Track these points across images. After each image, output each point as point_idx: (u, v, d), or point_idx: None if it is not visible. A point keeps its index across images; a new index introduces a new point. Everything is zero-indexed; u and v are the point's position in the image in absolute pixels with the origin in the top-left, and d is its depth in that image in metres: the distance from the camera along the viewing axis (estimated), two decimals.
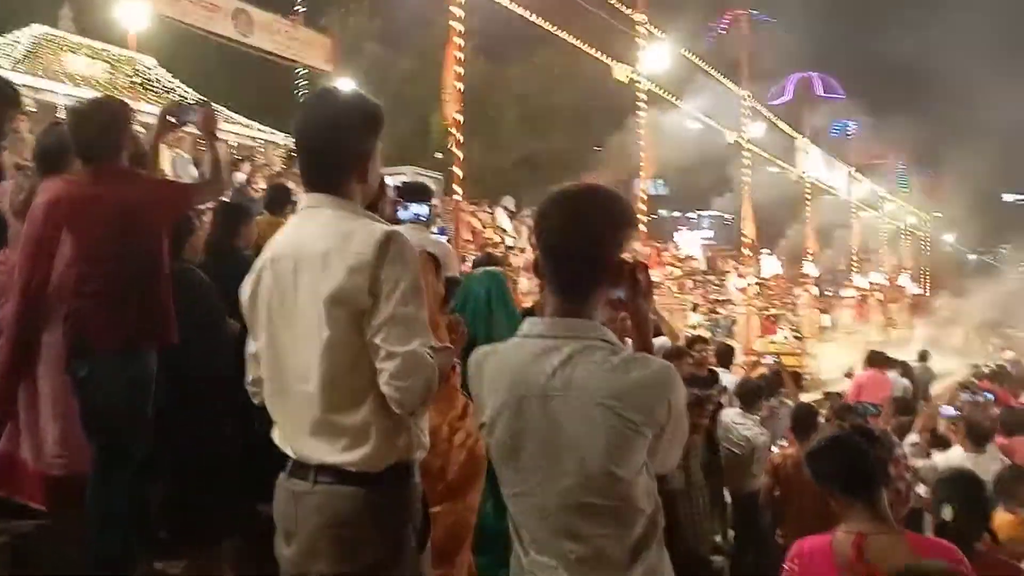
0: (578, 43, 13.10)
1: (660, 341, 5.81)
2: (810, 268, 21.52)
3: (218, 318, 3.70)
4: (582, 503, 1.64)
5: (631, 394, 1.61)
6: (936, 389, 10.46)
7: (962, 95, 27.23)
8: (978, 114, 27.91)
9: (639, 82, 13.44)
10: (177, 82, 17.40)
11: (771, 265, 19.17)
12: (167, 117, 3.36)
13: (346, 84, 14.13)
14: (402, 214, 3.52)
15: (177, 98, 16.97)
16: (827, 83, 30.88)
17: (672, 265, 16.86)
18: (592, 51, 13.25)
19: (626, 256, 1.75)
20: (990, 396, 8.67)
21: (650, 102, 13.84)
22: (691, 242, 20.43)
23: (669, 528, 1.79)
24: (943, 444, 5.91)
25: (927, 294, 31.16)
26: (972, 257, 37.72)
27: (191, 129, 3.59)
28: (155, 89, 16.46)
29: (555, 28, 12.19)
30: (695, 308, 14.92)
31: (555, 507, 1.66)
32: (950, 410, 7.09)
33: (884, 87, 31.30)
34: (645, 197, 13.91)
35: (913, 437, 5.71)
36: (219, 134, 3.46)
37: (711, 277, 22.56)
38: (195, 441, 3.56)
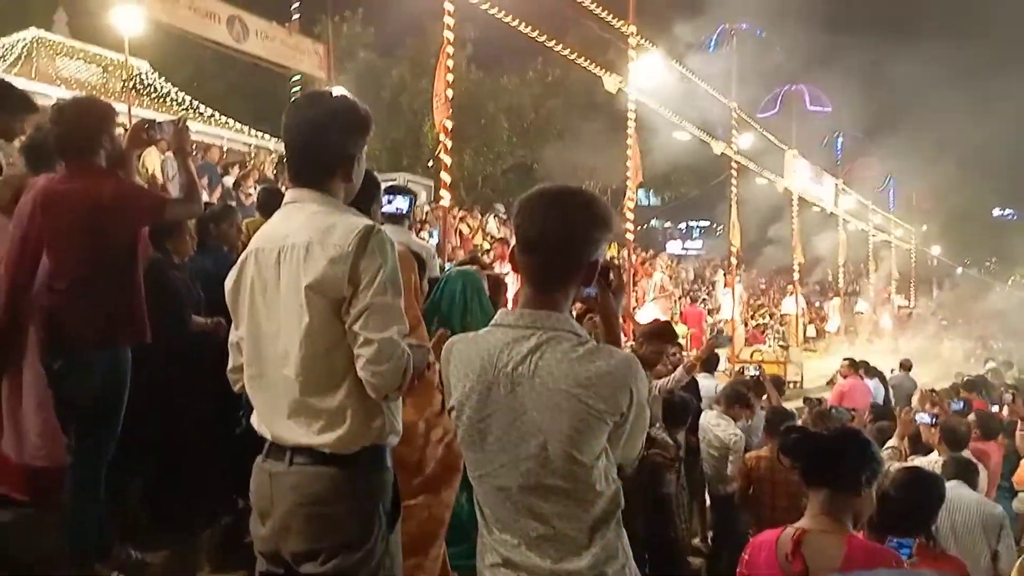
0: (569, 54, 13.20)
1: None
2: (795, 267, 21.67)
3: (182, 312, 3.76)
4: (543, 484, 1.72)
5: (595, 383, 1.67)
6: (916, 398, 10.59)
7: (946, 114, 27.58)
8: (967, 131, 28.21)
9: (629, 93, 13.54)
10: (171, 86, 17.46)
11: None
12: (139, 131, 3.37)
13: (340, 92, 14.19)
14: (384, 208, 3.61)
15: (171, 102, 17.06)
16: (815, 96, 31.14)
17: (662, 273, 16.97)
18: (583, 62, 13.35)
19: (601, 255, 1.82)
20: (960, 405, 8.78)
21: (640, 113, 13.93)
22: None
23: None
24: (926, 450, 6.01)
25: (913, 306, 31.36)
26: (959, 270, 37.97)
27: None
28: (149, 94, 16.53)
29: (547, 40, 12.27)
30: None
31: (517, 488, 1.73)
32: (926, 417, 7.19)
33: (872, 101, 31.53)
34: (633, 206, 13.97)
35: (892, 442, 5.80)
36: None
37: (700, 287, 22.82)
38: (170, 433, 3.61)
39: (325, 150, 2.11)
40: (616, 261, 11.55)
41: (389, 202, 3.96)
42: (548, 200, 1.79)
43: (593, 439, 1.69)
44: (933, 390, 10.44)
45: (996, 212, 49.15)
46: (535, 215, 1.77)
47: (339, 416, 2.01)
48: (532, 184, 2.04)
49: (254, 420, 2.14)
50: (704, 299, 20.64)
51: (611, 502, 1.75)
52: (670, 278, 16.28)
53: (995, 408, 10.06)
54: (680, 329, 12.64)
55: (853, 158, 34.43)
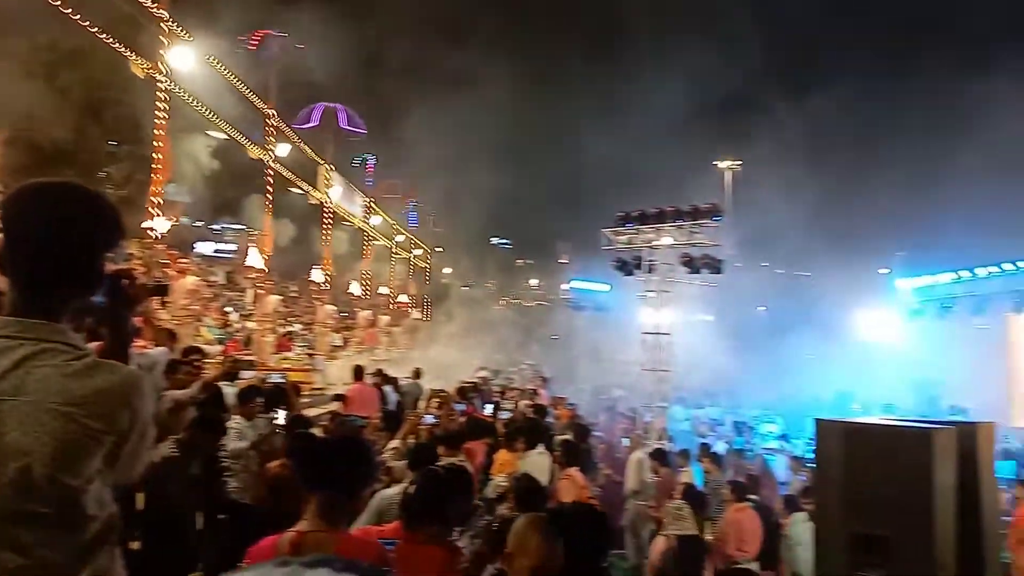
0: (91, 27, 11.85)
1: (157, 352, 5.56)
2: (317, 275, 22.40)
3: None
4: (24, 511, 1.54)
5: (92, 400, 1.55)
6: (422, 402, 11.77)
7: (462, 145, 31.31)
8: (476, 163, 32.31)
9: (161, 81, 12.67)
10: None
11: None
12: None
13: None
14: None
15: None
16: (351, 117, 32.74)
17: (193, 275, 16.11)
18: (108, 39, 12.10)
19: (110, 262, 1.69)
20: (461, 406, 10.07)
21: (172, 105, 13.12)
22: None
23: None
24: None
25: (427, 319, 34.74)
26: (465, 289, 43.24)
27: None
28: None
29: (62, 5, 10.85)
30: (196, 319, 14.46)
31: None
32: (430, 418, 8.09)
33: (399, 129, 34.29)
34: (162, 202, 13.08)
35: (395, 443, 6.36)
36: None
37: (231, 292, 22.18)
38: None
39: None
40: (139, 261, 10.68)
41: None
42: (47, 199, 1.61)
43: (85, 461, 1.55)
44: (440, 390, 11.71)
45: (494, 240, 57.06)
46: (26, 211, 1.58)
47: None
48: (44, 168, 1.81)
49: None
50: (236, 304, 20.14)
51: (104, 526, 1.63)
52: (204, 281, 15.56)
53: (488, 408, 11.74)
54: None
55: (382, 180, 36.99)
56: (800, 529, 7.31)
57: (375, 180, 36.48)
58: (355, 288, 28.75)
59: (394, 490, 4.22)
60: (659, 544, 6.88)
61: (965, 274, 22.90)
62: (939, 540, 3.23)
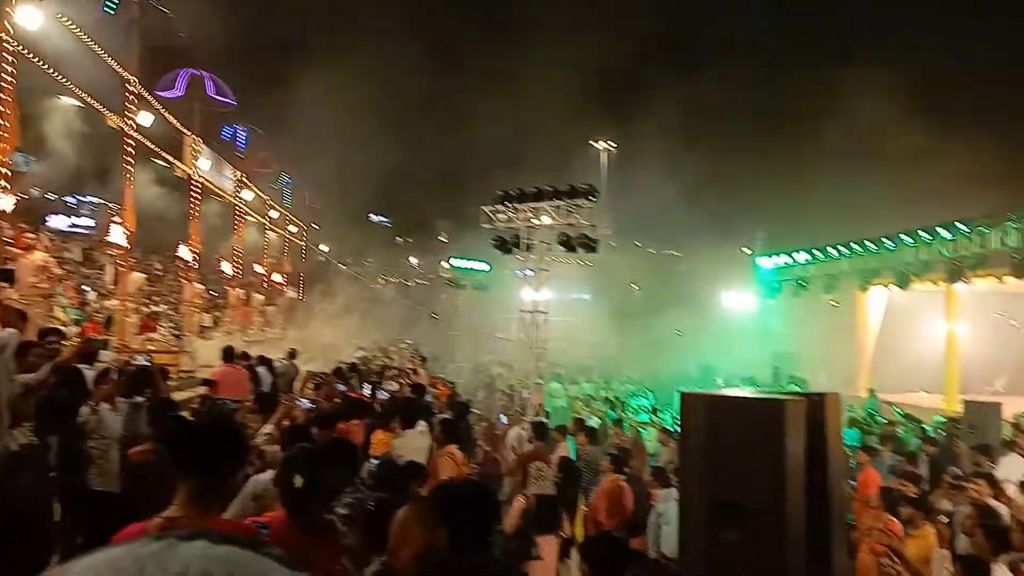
0: None
1: (6, 333, 5.18)
2: (184, 252, 21.39)
3: None
4: None
5: None
6: (298, 384, 11.52)
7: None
8: (355, 138, 31.56)
9: (7, 42, 11.68)
10: None
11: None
12: None
13: None
14: None
15: None
16: (220, 86, 31.14)
17: (43, 251, 15.00)
18: None
19: None
20: (343, 387, 9.94)
21: (18, 60, 12.11)
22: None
23: None
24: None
25: (303, 298, 33.87)
26: (343, 267, 42.37)
27: None
28: None
29: None
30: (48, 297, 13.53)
31: None
32: (306, 402, 7.94)
33: (277, 103, 33.01)
34: (9, 173, 12.13)
35: (268, 427, 6.19)
36: None
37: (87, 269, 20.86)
38: None
39: None
40: None
41: None
42: None
43: None
44: (319, 373, 11.48)
45: (373, 218, 56.08)
46: None
47: None
48: None
49: None
50: (96, 282, 18.96)
51: None
52: (55, 259, 14.50)
53: (366, 389, 11.66)
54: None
55: (254, 153, 35.56)
56: (672, 507, 7.58)
57: (247, 153, 35.00)
58: (226, 267, 27.59)
59: (268, 475, 4.13)
60: (517, 503, 7.12)
61: (819, 254, 24.48)
62: (790, 504, 3.48)
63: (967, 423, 12.03)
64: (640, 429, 13.51)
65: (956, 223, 18.35)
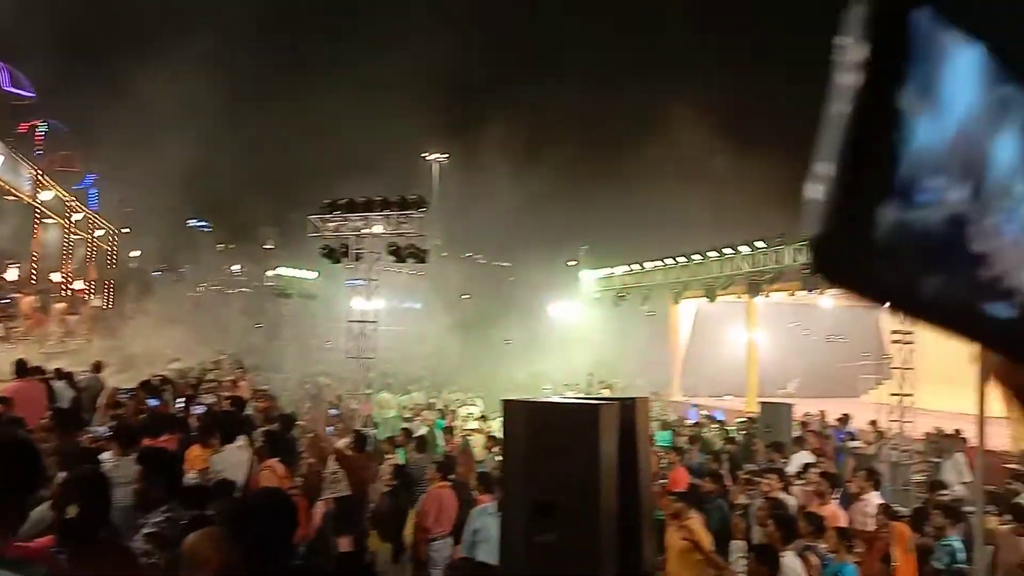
0: None
1: None
2: None
3: None
4: None
5: None
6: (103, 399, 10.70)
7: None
8: (171, 140, 29.66)
9: None
10: None
11: None
12: None
13: None
14: None
15: None
16: (16, 78, 28.35)
17: None
18: None
19: None
20: (154, 402, 9.35)
21: None
22: None
23: None
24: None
25: (111, 307, 31.47)
26: (156, 273, 39.72)
27: None
28: None
29: None
30: None
31: None
32: (102, 429, 7.38)
33: (82, 94, 30.47)
34: None
35: (102, 429, 5.77)
36: None
37: None
38: None
39: None
40: None
41: None
42: None
43: None
44: (125, 389, 10.72)
45: (192, 222, 53.02)
46: None
47: None
48: None
49: None
50: None
51: None
52: None
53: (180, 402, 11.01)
54: None
55: (56, 151, 32.64)
56: (489, 521, 7.65)
57: (47, 151, 31.99)
58: (11, 273, 25.03)
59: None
60: (318, 509, 7.30)
61: (636, 267, 25.94)
62: (603, 502, 3.70)
63: (763, 423, 13.16)
64: (467, 437, 13.67)
65: (755, 242, 20.08)
